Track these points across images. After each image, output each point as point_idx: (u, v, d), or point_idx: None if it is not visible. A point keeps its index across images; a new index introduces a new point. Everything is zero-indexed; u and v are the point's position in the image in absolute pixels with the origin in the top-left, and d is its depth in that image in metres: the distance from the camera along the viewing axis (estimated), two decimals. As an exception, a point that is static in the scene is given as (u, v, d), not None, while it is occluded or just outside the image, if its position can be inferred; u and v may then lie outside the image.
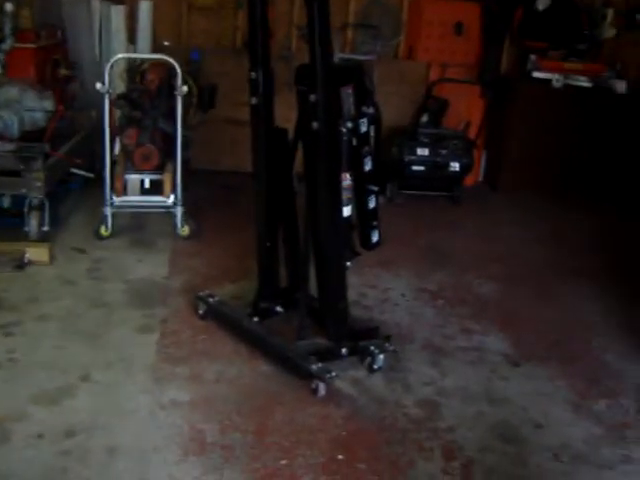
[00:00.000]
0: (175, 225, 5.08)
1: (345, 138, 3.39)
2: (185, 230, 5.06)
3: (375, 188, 3.60)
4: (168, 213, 5.15)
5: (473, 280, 4.91)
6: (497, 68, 6.89)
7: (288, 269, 3.95)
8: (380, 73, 6.43)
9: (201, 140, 6.15)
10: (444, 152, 6.22)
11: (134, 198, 5.17)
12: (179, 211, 5.03)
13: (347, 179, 3.47)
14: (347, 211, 3.51)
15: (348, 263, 3.60)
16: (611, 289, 4.93)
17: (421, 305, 4.48)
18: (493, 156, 7.16)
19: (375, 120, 3.55)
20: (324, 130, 3.17)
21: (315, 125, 3.14)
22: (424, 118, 6.41)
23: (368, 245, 3.66)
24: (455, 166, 6.27)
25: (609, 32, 6.98)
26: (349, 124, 3.41)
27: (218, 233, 5.28)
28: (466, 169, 6.37)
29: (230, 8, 6.73)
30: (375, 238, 3.68)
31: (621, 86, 6.95)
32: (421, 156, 6.21)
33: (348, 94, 3.41)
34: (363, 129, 3.48)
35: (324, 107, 3.12)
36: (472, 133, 6.50)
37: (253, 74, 3.52)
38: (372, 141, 3.53)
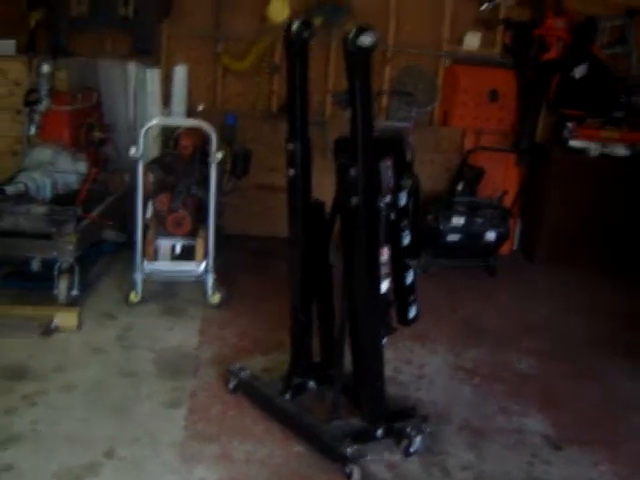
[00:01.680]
0: (206, 292, 4.99)
1: (384, 212, 3.31)
2: (216, 298, 4.97)
3: (413, 263, 3.53)
4: (199, 280, 5.06)
5: (510, 356, 4.75)
6: (533, 136, 6.80)
7: (322, 344, 3.84)
8: (415, 140, 6.38)
9: (234, 205, 6.11)
10: (480, 221, 6.11)
11: (165, 265, 5.09)
12: (210, 279, 4.95)
13: (385, 254, 3.38)
14: (385, 286, 3.41)
15: (385, 340, 3.49)
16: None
17: (458, 383, 4.33)
18: (529, 225, 7.04)
19: (413, 192, 3.48)
20: (364, 206, 3.08)
21: (355, 200, 3.06)
22: (459, 186, 6.33)
23: (406, 321, 3.56)
24: (491, 236, 6.15)
25: (647, 99, 6.91)
26: (388, 198, 3.33)
27: (249, 301, 5.18)
28: (502, 239, 6.25)
29: (265, 73, 6.74)
30: (413, 313, 3.58)
31: (663, 154, 6.85)
32: (456, 225, 6.09)
33: (387, 167, 3.34)
34: (402, 203, 3.40)
35: (364, 182, 3.04)
36: (508, 202, 6.39)
37: (291, 145, 3.45)
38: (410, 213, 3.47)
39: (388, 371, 3.76)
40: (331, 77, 6.76)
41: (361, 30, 2.89)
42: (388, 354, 3.78)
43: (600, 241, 6.76)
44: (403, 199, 3.40)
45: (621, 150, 6.74)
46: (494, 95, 6.73)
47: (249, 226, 6.60)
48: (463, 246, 6.18)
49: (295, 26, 3.33)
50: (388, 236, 3.36)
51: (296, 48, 3.37)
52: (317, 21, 6.35)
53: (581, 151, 6.69)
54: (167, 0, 6.46)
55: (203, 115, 6.03)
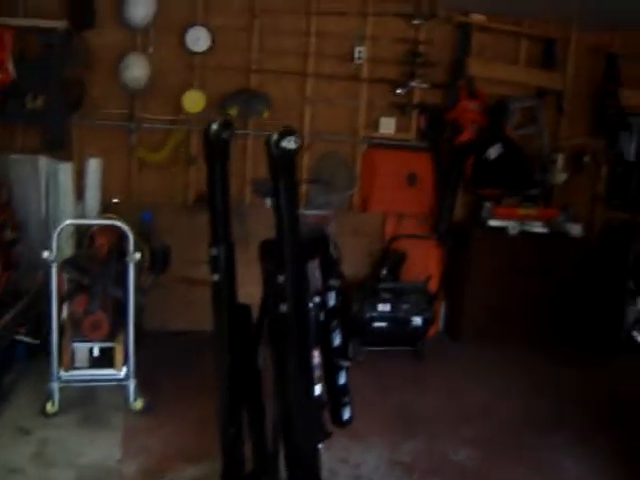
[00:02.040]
0: (128, 399, 4.75)
1: (313, 313, 3.20)
2: (139, 404, 4.73)
3: (346, 363, 3.41)
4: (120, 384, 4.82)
5: (447, 446, 4.64)
6: (451, 218, 6.82)
7: (254, 451, 3.65)
8: (336, 226, 6.34)
9: (152, 299, 5.90)
10: (406, 307, 6.05)
11: (83, 373, 4.84)
12: (132, 384, 4.72)
13: (316, 356, 3.25)
14: (318, 390, 3.28)
15: (320, 445, 3.34)
16: (594, 445, 4.76)
17: (396, 480, 4.20)
18: (452, 306, 7.03)
19: (342, 291, 3.39)
20: (293, 312, 2.96)
21: (284, 308, 2.94)
22: (383, 272, 6.28)
23: (340, 423, 3.43)
24: (417, 321, 6.10)
25: (560, 177, 7.05)
26: (317, 299, 3.24)
27: (174, 405, 4.93)
28: (429, 323, 6.20)
29: (181, 164, 6.62)
30: (347, 415, 3.46)
31: (576, 229, 6.96)
32: (383, 312, 6.03)
33: (315, 267, 3.25)
34: (331, 303, 3.31)
35: (293, 288, 2.92)
36: (432, 286, 6.37)
37: (214, 250, 3.31)
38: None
39: (323, 473, 3.59)
40: (249, 165, 6.69)
41: (284, 134, 2.82)
42: (322, 453, 3.62)
43: (523, 317, 6.79)
44: (332, 299, 3.31)
45: (539, 227, 6.84)
46: (412, 179, 6.78)
47: (169, 320, 6.38)
48: (390, 332, 6.11)
49: (215, 127, 3.24)
50: (318, 338, 3.25)
51: (216, 149, 3.27)
52: (233, 111, 6.32)
53: (500, 230, 6.75)
54: (78, 92, 6.31)
55: (119, 208, 5.89)
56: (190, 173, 6.65)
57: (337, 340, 3.35)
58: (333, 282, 3.31)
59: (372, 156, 6.89)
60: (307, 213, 6.26)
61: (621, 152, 7.23)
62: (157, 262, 5.44)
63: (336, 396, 3.40)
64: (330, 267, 3.31)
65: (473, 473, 4.35)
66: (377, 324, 6.02)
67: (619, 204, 7.29)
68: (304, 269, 3.06)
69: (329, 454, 4.25)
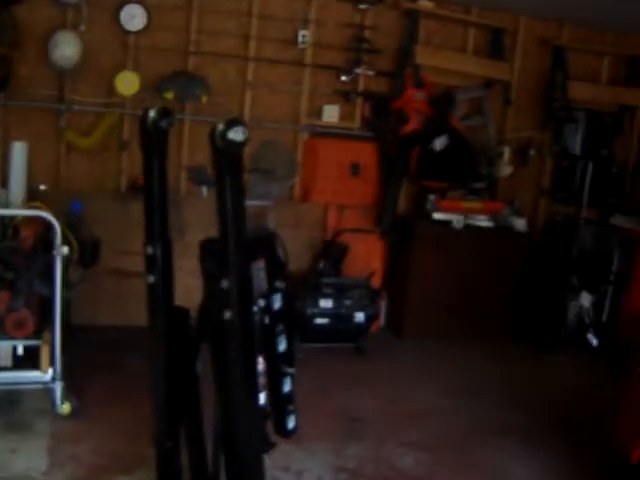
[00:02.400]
0: (54, 402, 4.43)
1: (257, 317, 2.96)
2: (66, 408, 4.40)
3: (290, 370, 3.19)
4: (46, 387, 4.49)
5: (393, 450, 4.46)
6: (394, 210, 6.62)
7: (192, 463, 3.39)
8: (276, 217, 6.11)
9: (80, 292, 5.55)
10: (348, 303, 5.84)
11: (6, 375, 4.50)
12: (59, 387, 4.39)
13: (260, 363, 3.02)
14: (262, 398, 3.05)
15: (264, 456, 3.11)
16: (541, 445, 4.66)
17: (343, 489, 3.99)
18: (395, 301, 6.84)
19: (288, 293, 3.17)
20: (237, 318, 2.71)
21: (228, 314, 2.68)
22: (321, 264, 6.06)
23: (285, 432, 3.22)
24: (360, 317, 5.89)
25: (506, 170, 6.92)
26: (261, 302, 3.00)
27: (104, 408, 4.61)
28: (372, 319, 6.01)
29: (114, 150, 6.27)
30: (291, 425, 3.25)
31: (521, 224, 6.86)
32: (325, 308, 5.80)
33: (260, 269, 3.00)
34: (276, 306, 3.08)
35: (237, 294, 2.67)
36: (376, 281, 6.17)
37: (150, 249, 3.02)
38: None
39: (264, 485, 3.38)
40: (185, 152, 6.39)
41: (231, 124, 2.55)
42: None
43: (467, 312, 6.67)
44: (277, 302, 3.08)
45: (484, 221, 6.71)
46: (356, 169, 6.56)
47: (99, 315, 6.04)
48: (332, 329, 5.89)
49: (152, 114, 2.95)
50: (263, 344, 3.02)
51: (153, 139, 2.98)
52: (169, 95, 6.01)
53: (445, 223, 6.59)
54: (4, 71, 5.90)
55: (46, 196, 5.53)
56: (122, 159, 6.30)
57: (282, 345, 3.14)
58: (279, 284, 3.07)
59: (314, 145, 6.64)
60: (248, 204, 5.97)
61: (566, 146, 7.14)
62: (86, 255, 5.09)
63: (280, 404, 3.19)
64: (276, 268, 3.08)
65: (421, 477, 4.18)
66: (319, 320, 5.79)
67: (563, 198, 7.21)
68: (249, 272, 2.81)
69: (271, 461, 4.01)
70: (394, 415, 5.02)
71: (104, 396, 4.80)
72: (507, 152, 6.87)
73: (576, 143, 7.14)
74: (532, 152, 7.11)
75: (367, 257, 6.43)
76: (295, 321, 5.60)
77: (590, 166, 7.00)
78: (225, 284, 2.65)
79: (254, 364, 2.93)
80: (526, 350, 6.68)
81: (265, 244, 3.10)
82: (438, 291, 6.56)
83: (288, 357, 3.17)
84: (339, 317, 5.84)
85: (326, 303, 5.79)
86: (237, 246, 2.63)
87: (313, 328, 5.81)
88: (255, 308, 2.93)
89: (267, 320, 3.05)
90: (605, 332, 6.69)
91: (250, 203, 5.99)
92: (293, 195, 6.78)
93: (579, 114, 7.09)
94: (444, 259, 6.53)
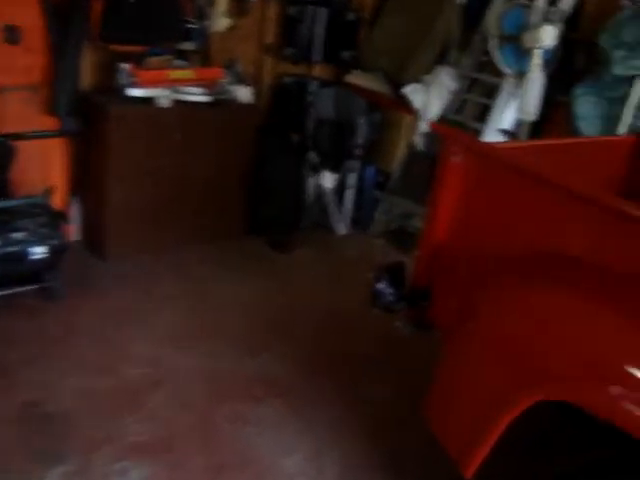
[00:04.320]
0: None
1: None
2: None
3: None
4: None
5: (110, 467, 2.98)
6: (75, 89, 4.73)
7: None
8: None
9: None
10: (20, 237, 4.02)
11: None
12: None
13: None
14: None
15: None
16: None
17: None
18: (93, 213, 5.11)
19: None
20: None
21: None
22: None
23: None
24: (39, 252, 4.11)
25: (222, 23, 5.28)
26: None
27: None
28: (58, 252, 4.23)
29: None
30: None
31: (245, 93, 5.32)
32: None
33: None
34: None
35: None
36: (59, 199, 4.40)
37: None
38: None
39: None
40: None
41: None
42: None
43: (189, 214, 5.22)
44: None
45: (198, 95, 5.08)
46: (13, 34, 4.53)
47: None
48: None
49: None
50: None
51: None
52: None
53: (146, 101, 4.86)
54: None
55: None
56: None
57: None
58: None
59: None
60: None
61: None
62: None
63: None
64: None
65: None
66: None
67: (292, 54, 5.72)
68: None
69: None
70: (107, 398, 3.46)
71: None
72: (223, -1, 5.22)
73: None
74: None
75: (44, 162, 4.59)
76: None
77: (323, 12, 5.57)
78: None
79: None
80: (267, 250, 5.42)
81: None
82: (147, 192, 4.95)
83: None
84: (7, 258, 4.01)
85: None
86: None
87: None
88: None
89: None
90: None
91: None
92: None
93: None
94: (150, 149, 4.89)
